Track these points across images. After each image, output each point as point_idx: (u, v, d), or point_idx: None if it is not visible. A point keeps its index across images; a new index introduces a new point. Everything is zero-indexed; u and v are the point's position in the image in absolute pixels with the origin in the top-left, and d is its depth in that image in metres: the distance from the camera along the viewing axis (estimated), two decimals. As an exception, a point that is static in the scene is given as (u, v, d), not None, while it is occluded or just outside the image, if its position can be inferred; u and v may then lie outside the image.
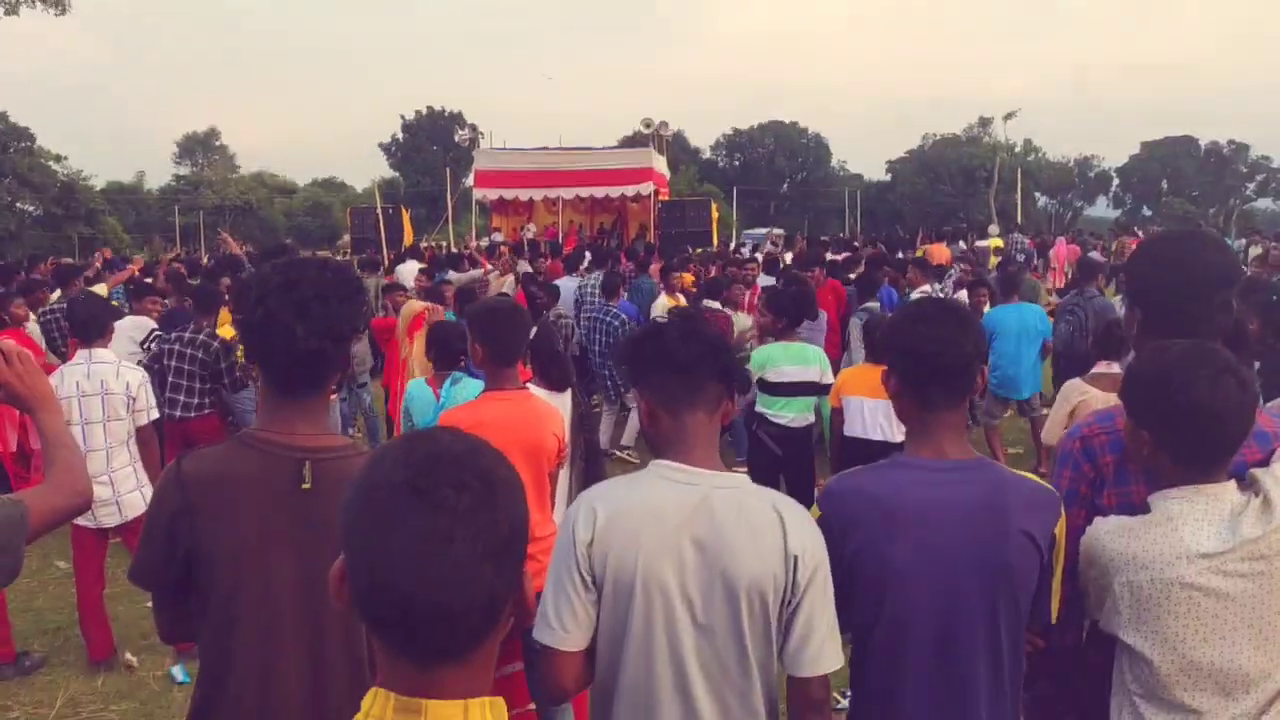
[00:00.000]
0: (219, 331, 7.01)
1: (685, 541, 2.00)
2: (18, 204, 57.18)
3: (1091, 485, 2.28)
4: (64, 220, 58.15)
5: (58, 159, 59.62)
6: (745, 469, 9.33)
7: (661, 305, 9.78)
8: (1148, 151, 74.97)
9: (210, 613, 2.06)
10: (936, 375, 2.19)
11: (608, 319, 9.57)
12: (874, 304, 9.35)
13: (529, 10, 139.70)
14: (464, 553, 1.06)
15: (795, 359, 6.15)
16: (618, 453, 9.36)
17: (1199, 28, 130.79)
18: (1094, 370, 5.55)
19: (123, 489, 5.27)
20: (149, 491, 5.27)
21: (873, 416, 5.62)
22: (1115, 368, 5.51)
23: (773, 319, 6.26)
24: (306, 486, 2.00)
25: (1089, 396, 5.23)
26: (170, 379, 6.72)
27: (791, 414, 6.10)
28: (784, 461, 6.14)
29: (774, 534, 2.02)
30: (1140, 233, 27.79)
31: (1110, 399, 3.55)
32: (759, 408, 6.23)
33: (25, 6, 27.11)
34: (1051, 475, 2.41)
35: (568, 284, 11.99)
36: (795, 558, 2.00)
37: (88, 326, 5.30)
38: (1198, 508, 2.05)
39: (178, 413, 6.70)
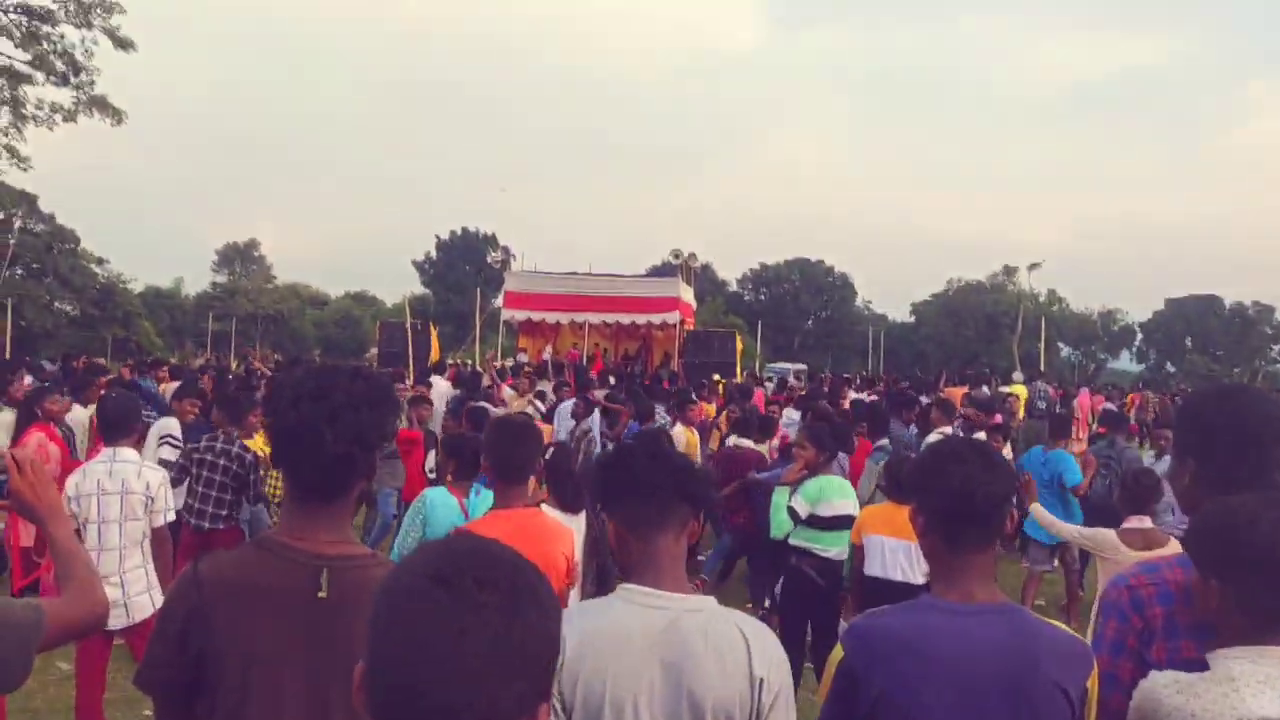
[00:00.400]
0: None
1: (653, 664, 2.03)
2: (56, 303, 58.36)
3: (1139, 638, 2.18)
4: (100, 322, 59.22)
5: (100, 261, 61.12)
6: (702, 588, 9.22)
7: (679, 436, 9.73)
8: (1172, 308, 75.46)
9: (214, 716, 2.00)
10: (965, 516, 2.15)
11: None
12: (884, 441, 9.29)
13: (566, 138, 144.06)
14: (476, 650, 1.02)
15: (843, 493, 6.20)
16: None
17: (1224, 187, 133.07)
18: (1125, 525, 5.43)
19: (133, 590, 5.21)
20: (159, 595, 5.25)
21: (893, 556, 5.52)
22: (1146, 522, 5.39)
23: (815, 452, 6.25)
24: (323, 595, 1.97)
25: (1120, 556, 5.11)
26: (200, 488, 6.70)
27: (837, 548, 6.07)
28: (823, 594, 6.08)
29: (739, 656, 2.04)
30: (1176, 389, 27.64)
31: (1141, 558, 3.46)
32: (801, 542, 6.16)
33: (84, 115, 28.21)
34: (1094, 626, 2.32)
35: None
36: (760, 680, 2.03)
37: (116, 425, 5.35)
38: (1261, 669, 1.98)
39: (206, 524, 6.66)
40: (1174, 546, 5.25)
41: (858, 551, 5.76)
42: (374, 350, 32.01)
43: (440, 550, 1.12)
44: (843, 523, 6.06)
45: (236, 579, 2.00)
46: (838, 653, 2.17)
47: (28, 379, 11.73)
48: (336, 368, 2.15)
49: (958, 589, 2.15)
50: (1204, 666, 2.06)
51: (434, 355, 24.98)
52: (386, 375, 2.55)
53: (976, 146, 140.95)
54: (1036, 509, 6.41)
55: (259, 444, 7.47)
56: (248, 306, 69.37)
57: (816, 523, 6.11)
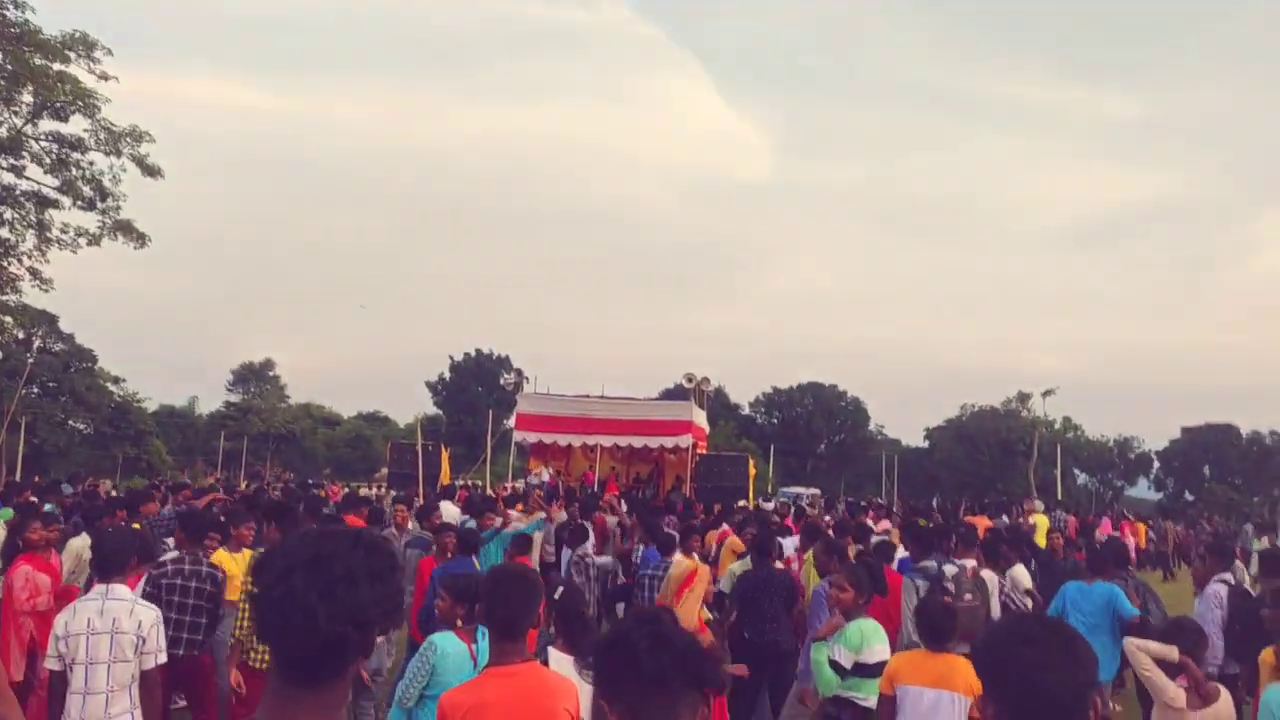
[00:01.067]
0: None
1: None
2: (70, 421, 58.58)
3: None
4: (112, 440, 59.35)
5: (116, 380, 61.58)
6: None
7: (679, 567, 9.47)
8: (1189, 437, 74.89)
9: None
10: (1044, 710, 1.92)
11: (661, 574, 9.28)
12: (927, 563, 8.93)
13: (579, 262, 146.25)
14: None
15: (880, 637, 5.85)
16: None
17: (1238, 317, 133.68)
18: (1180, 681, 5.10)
19: None
20: None
21: (932, 710, 5.13)
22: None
23: (854, 595, 5.95)
24: None
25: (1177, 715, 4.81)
26: (171, 614, 6.28)
27: (874, 695, 5.69)
28: None
29: None
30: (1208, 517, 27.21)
31: None
32: (845, 692, 5.77)
33: (108, 239, 28.71)
34: None
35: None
36: None
37: (110, 561, 5.19)
38: None
39: (180, 651, 6.32)
40: (1226, 699, 4.98)
41: (887, 703, 5.32)
42: (384, 470, 31.89)
43: None
44: (881, 669, 5.69)
45: None
46: None
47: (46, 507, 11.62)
48: (336, 532, 1.90)
49: None
50: None
51: (444, 477, 24.79)
52: (390, 542, 2.24)
53: (989, 273, 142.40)
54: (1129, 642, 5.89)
55: (224, 558, 7.31)
56: (260, 426, 69.52)
57: (860, 670, 5.76)
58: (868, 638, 5.79)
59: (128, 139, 28.11)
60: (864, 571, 6.17)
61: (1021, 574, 9.76)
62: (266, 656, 6.48)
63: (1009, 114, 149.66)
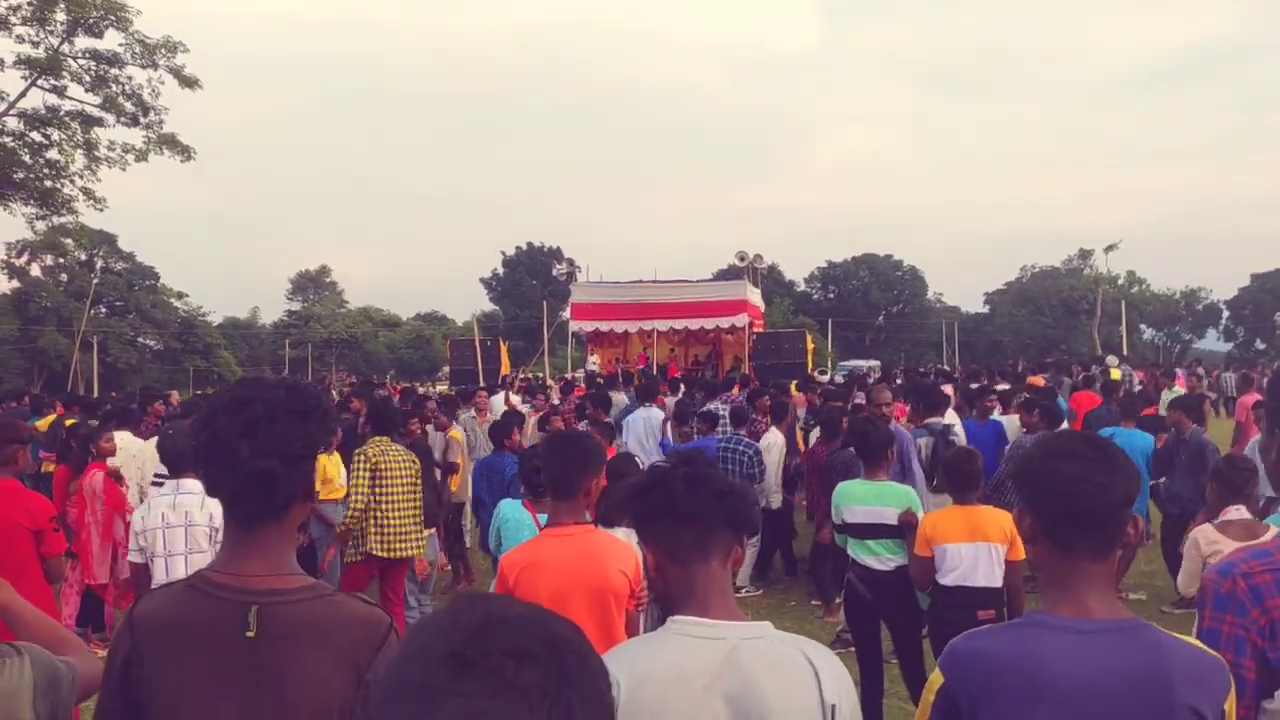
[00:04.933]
0: None
1: (716, 701, 1.85)
2: (139, 339, 60.13)
3: (1261, 634, 1.95)
4: (182, 354, 60.94)
5: (179, 296, 62.93)
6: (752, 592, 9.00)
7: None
8: (1259, 283, 72.81)
9: None
10: (1078, 520, 1.90)
11: (740, 448, 9.38)
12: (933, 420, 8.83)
13: (624, 147, 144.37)
14: None
15: (871, 498, 5.73)
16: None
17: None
18: (1224, 518, 5.10)
19: None
20: None
21: (972, 562, 5.15)
22: (1244, 512, 5.05)
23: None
24: (251, 635, 1.82)
25: (1220, 546, 4.79)
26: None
27: (875, 557, 5.67)
28: (877, 608, 5.72)
29: (808, 684, 1.89)
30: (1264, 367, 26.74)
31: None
32: (850, 550, 5.87)
33: (154, 153, 28.90)
34: (1199, 622, 2.07)
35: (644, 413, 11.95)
36: (832, 706, 1.88)
37: (177, 459, 5.34)
38: None
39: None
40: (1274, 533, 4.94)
41: (927, 564, 5.26)
42: (446, 368, 32.35)
43: (458, 619, 0.91)
44: (874, 531, 5.65)
45: (166, 621, 1.88)
46: (936, 678, 1.95)
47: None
48: (258, 379, 2.01)
49: (1071, 603, 1.90)
50: None
51: (504, 370, 25.12)
52: (315, 385, 2.34)
53: (1043, 129, 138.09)
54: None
55: (322, 460, 7.48)
56: (322, 332, 70.75)
57: (841, 528, 5.84)
58: (846, 496, 5.80)
59: (162, 50, 28.03)
60: (833, 417, 6.06)
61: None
62: (384, 545, 6.78)
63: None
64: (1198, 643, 1.91)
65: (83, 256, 57.86)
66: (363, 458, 6.83)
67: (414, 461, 7.06)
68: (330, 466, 7.94)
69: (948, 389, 11.99)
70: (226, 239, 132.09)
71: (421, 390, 22.30)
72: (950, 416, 9.58)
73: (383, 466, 6.80)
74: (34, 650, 1.96)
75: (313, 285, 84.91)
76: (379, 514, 6.78)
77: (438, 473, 8.58)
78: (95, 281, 52.77)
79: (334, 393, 18.82)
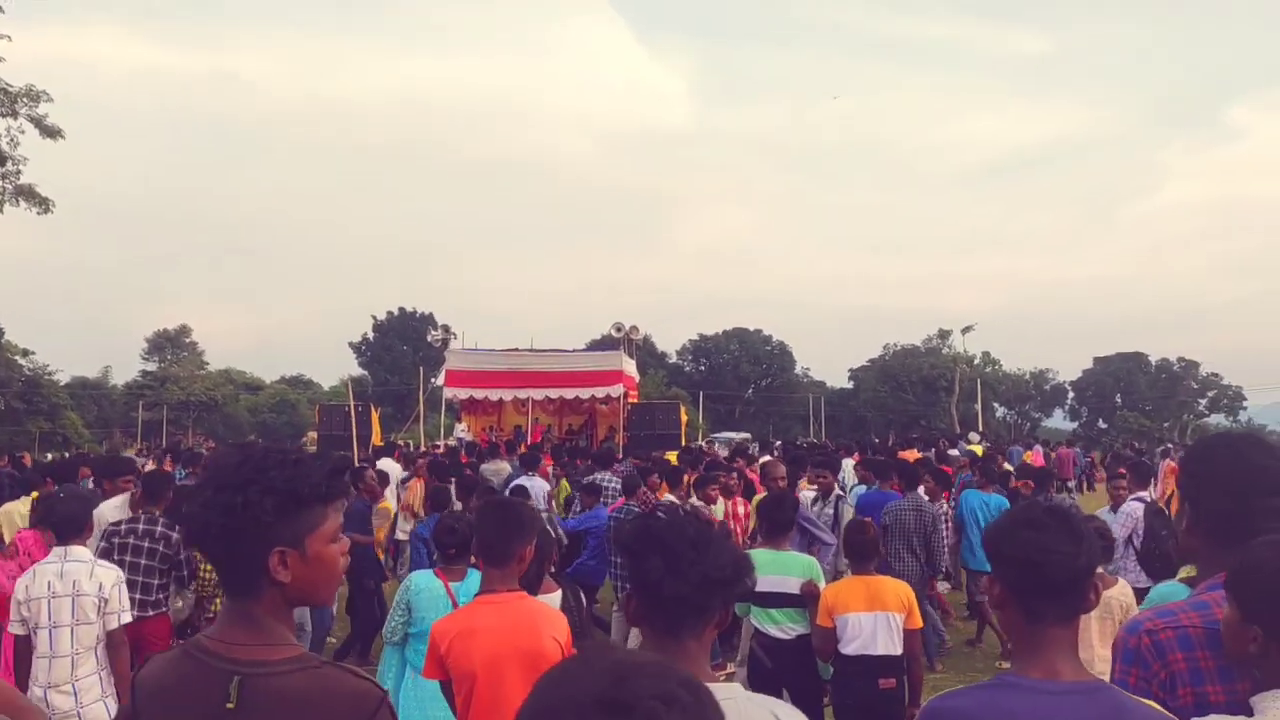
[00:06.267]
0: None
1: None
2: (-22, 397, 56.60)
3: (1162, 686, 2.15)
4: (25, 415, 57.49)
5: (24, 353, 59.50)
6: (728, 673, 9.06)
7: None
8: (1100, 366, 77.29)
9: None
10: (1044, 588, 2.02)
11: (629, 518, 9.38)
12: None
13: (501, 216, 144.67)
14: None
15: (774, 567, 5.78)
16: None
17: (1142, 249, 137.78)
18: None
19: (86, 699, 4.88)
20: (113, 704, 4.93)
21: (872, 631, 5.28)
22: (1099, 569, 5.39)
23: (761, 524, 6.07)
24: (230, 706, 1.82)
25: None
26: (126, 575, 6.10)
27: (777, 625, 5.76)
28: (780, 677, 5.78)
29: None
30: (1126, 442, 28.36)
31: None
32: (752, 619, 5.93)
33: (9, 205, 27.58)
34: (1113, 674, 2.26)
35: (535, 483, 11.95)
36: None
37: (67, 523, 5.09)
38: None
39: (133, 612, 6.24)
40: (1124, 586, 5.47)
41: (828, 634, 5.38)
42: (312, 434, 31.41)
43: (595, 666, 0.96)
44: (774, 600, 5.73)
45: (160, 686, 1.93)
46: None
47: None
48: (244, 446, 2.03)
49: (1040, 666, 2.01)
50: (1235, 710, 2.03)
51: (376, 438, 24.54)
52: (292, 455, 2.28)
53: (905, 214, 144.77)
54: None
55: None
56: (179, 394, 67.88)
57: (748, 598, 5.82)
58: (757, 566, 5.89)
59: (24, 99, 26.89)
60: (764, 503, 6.26)
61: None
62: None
63: (922, 54, 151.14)
64: (1155, 705, 2.05)
65: (-81, 309, 54.51)
66: None
67: None
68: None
69: (850, 461, 12.45)
70: (79, 295, 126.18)
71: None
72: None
73: None
74: None
75: (171, 345, 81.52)
76: None
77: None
78: (-68, 336, 49.66)
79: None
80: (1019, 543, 2.04)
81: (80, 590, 4.91)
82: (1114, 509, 8.56)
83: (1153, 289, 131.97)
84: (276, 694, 1.82)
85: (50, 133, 27.52)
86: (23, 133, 27.37)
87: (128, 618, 5.15)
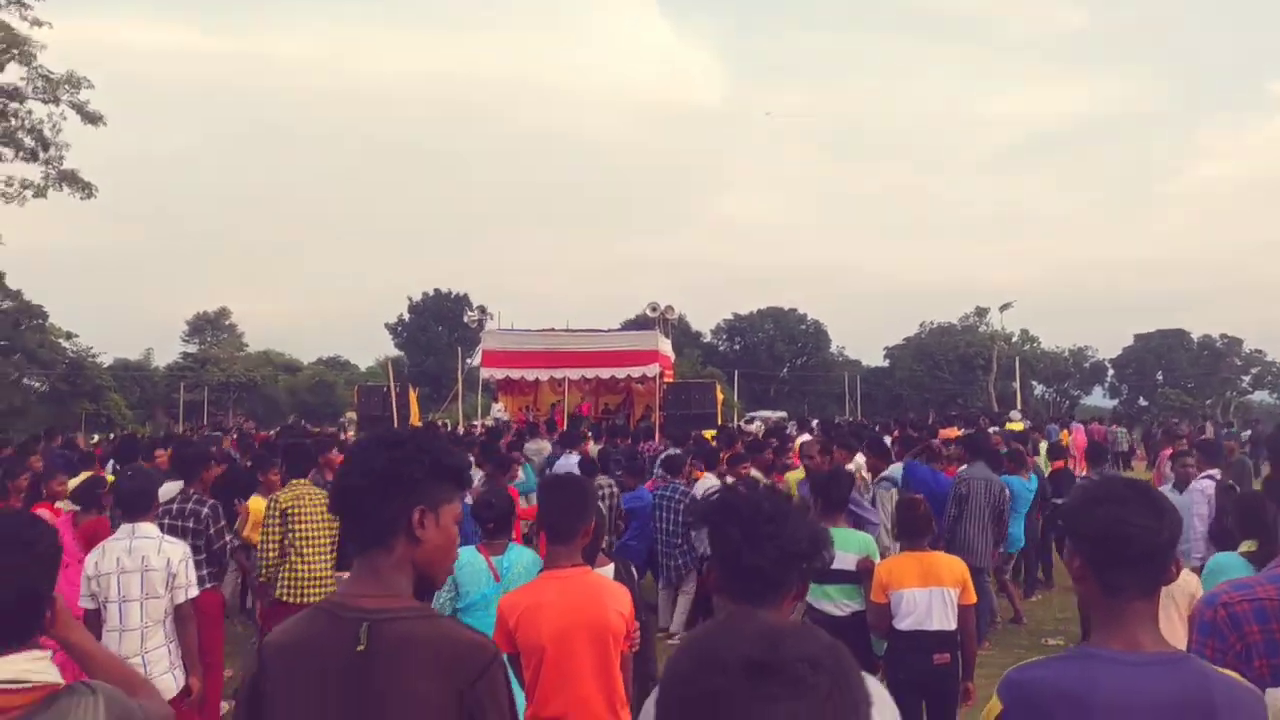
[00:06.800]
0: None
1: None
2: (25, 380, 57.59)
3: (1238, 657, 2.18)
4: (69, 397, 58.45)
5: (68, 336, 60.44)
6: None
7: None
8: (1141, 343, 76.30)
9: None
10: (1126, 562, 2.02)
11: (675, 497, 9.41)
12: (889, 470, 9.31)
13: (536, 195, 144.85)
14: None
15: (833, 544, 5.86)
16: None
17: (1184, 224, 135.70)
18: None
19: (155, 671, 5.00)
20: (181, 675, 5.12)
21: (927, 607, 5.29)
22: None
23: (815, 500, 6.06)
24: (361, 649, 1.97)
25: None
26: None
27: (832, 602, 5.78)
28: None
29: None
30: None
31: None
32: (808, 596, 5.93)
33: (53, 190, 27.98)
34: (1190, 645, 2.27)
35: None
36: None
37: (135, 500, 5.21)
38: None
39: None
40: (1187, 575, 5.25)
41: (883, 609, 5.40)
42: (351, 414, 31.74)
43: (737, 637, 0.98)
44: (829, 576, 5.64)
45: (289, 641, 2.07)
46: (995, 705, 2.04)
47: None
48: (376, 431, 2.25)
49: (1120, 638, 2.02)
50: None
51: (414, 418, 24.76)
52: (431, 433, 2.63)
53: (942, 193, 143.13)
54: None
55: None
56: (219, 376, 68.76)
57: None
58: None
59: (66, 85, 27.26)
60: (816, 480, 6.26)
61: None
62: (292, 591, 6.66)
63: (956, 30, 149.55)
64: (1236, 675, 2.05)
65: (-34, 293, 55.45)
66: (274, 504, 6.76)
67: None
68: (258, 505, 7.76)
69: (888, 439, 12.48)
70: (121, 278, 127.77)
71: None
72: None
73: (294, 512, 6.70)
74: (108, 690, 1.98)
75: (210, 327, 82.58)
76: (290, 561, 6.69)
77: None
78: (-21, 320, 50.59)
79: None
80: (1101, 517, 2.04)
81: (149, 565, 5.04)
82: (1178, 488, 8.41)
83: (1194, 265, 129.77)
84: (402, 638, 1.97)
85: (92, 119, 27.89)
86: (64, 119, 27.78)
87: (195, 592, 5.28)
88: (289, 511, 6.67)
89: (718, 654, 0.95)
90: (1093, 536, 2.05)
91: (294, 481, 6.91)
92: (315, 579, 6.70)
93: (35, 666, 1.94)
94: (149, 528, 5.17)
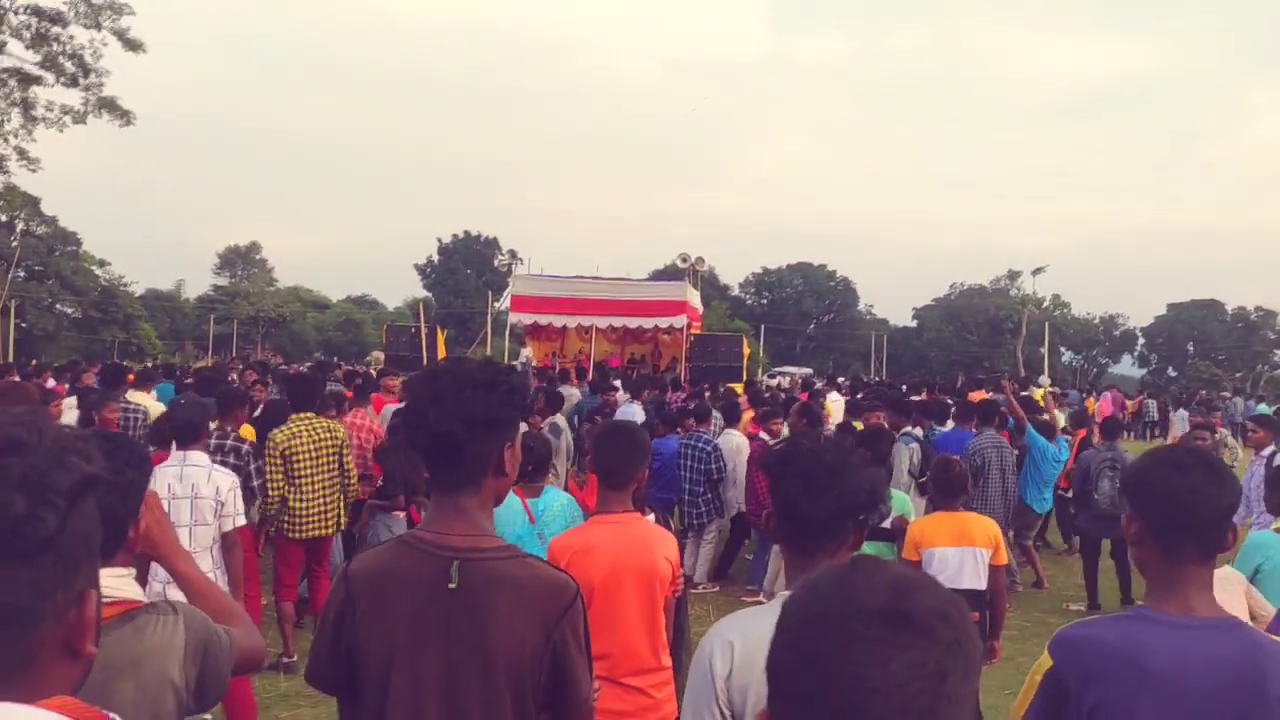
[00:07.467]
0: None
1: None
2: (57, 305, 58.24)
3: None
4: (100, 324, 59.10)
5: (101, 264, 61.00)
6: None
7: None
8: (1174, 313, 75.38)
9: (364, 709, 2.08)
10: (1187, 527, 2.06)
11: (700, 445, 9.49)
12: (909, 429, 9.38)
13: (569, 141, 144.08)
14: (956, 692, 0.96)
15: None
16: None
17: (1225, 192, 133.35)
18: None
19: None
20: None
21: (958, 566, 5.36)
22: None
23: None
24: (453, 586, 2.01)
25: None
26: None
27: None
28: None
29: None
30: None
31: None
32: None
33: (93, 116, 28.11)
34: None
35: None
36: None
37: (186, 429, 5.30)
38: None
39: None
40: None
41: (914, 567, 5.50)
42: (378, 354, 31.96)
43: (872, 580, 1.02)
44: (872, 534, 5.84)
45: (378, 573, 2.09)
46: (1044, 661, 2.08)
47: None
48: (459, 358, 2.23)
49: (1175, 601, 2.06)
50: None
51: (442, 358, 24.91)
52: (510, 367, 2.70)
53: (979, 152, 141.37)
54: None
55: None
56: (249, 309, 69.29)
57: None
58: None
59: (108, 11, 27.29)
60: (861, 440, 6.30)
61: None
62: (293, 526, 6.73)
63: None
64: None
65: (3, 218, 55.87)
66: (271, 444, 6.74)
67: (335, 434, 6.98)
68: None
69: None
70: (154, 208, 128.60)
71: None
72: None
73: (291, 449, 6.70)
74: (191, 611, 2.03)
75: (241, 261, 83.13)
76: (290, 498, 6.72)
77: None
78: (15, 244, 51.02)
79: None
80: (1164, 482, 2.07)
81: (198, 493, 5.14)
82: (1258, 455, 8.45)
83: (1233, 235, 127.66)
84: (492, 576, 2.03)
85: (133, 45, 27.96)
86: (105, 45, 27.84)
87: (243, 520, 5.38)
88: (286, 451, 6.68)
89: (855, 604, 0.98)
90: (1155, 502, 2.08)
91: (294, 416, 6.89)
92: (315, 515, 6.77)
93: (115, 583, 1.94)
94: (200, 456, 5.27)
